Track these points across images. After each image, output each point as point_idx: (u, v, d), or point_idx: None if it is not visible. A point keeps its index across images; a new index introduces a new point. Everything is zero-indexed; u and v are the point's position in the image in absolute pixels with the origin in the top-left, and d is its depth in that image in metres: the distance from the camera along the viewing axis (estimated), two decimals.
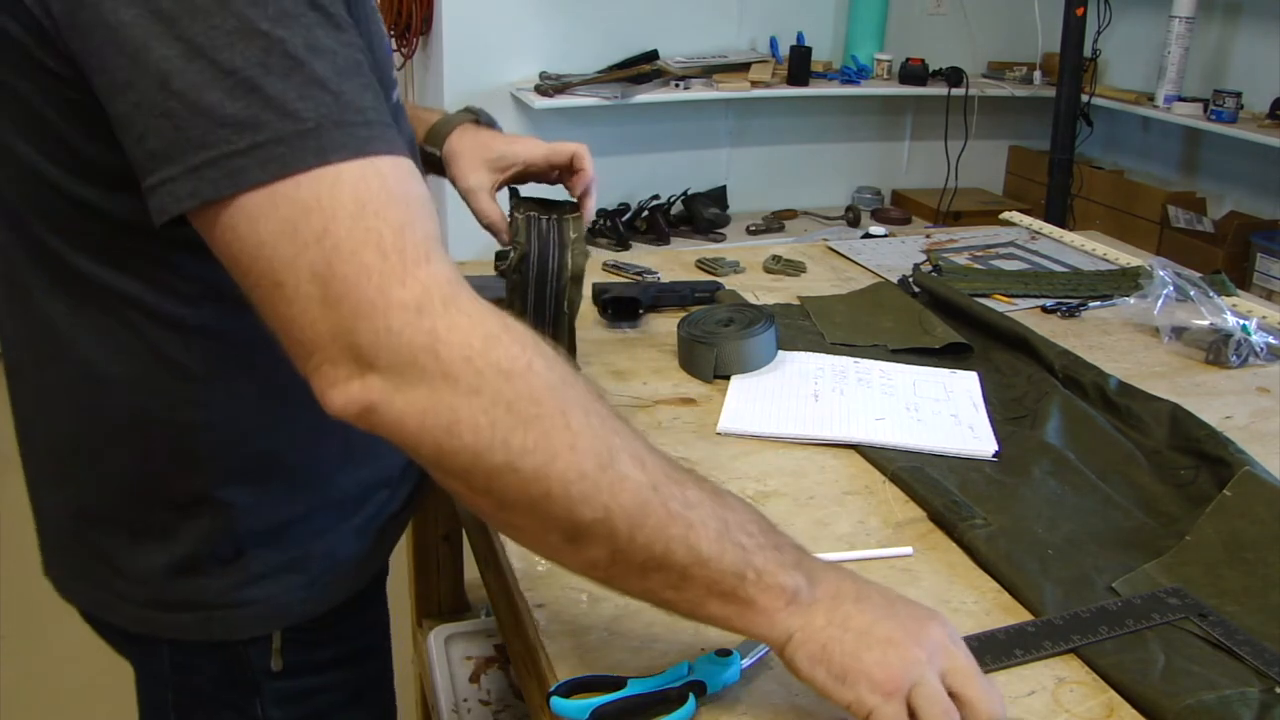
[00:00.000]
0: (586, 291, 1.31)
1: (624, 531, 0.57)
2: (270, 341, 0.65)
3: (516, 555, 0.80)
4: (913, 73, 3.38)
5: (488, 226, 1.01)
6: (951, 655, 0.60)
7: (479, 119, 1.06)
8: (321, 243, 0.55)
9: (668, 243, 3.17)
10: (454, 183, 1.04)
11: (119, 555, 0.77)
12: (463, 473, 0.57)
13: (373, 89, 0.60)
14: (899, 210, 3.59)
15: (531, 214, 0.93)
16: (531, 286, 0.90)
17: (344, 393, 0.56)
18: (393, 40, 3.10)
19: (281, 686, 0.82)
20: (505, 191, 1.04)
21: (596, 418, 0.58)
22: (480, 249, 1.78)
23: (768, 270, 1.49)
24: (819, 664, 0.60)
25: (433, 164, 1.03)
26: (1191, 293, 1.29)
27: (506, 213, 1.00)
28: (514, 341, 0.57)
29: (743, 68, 3.26)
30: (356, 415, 0.57)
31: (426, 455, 0.57)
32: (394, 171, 0.59)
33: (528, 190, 1.04)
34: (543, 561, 0.79)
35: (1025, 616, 0.75)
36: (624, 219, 3.16)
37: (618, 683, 0.65)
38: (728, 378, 1.10)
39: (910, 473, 0.92)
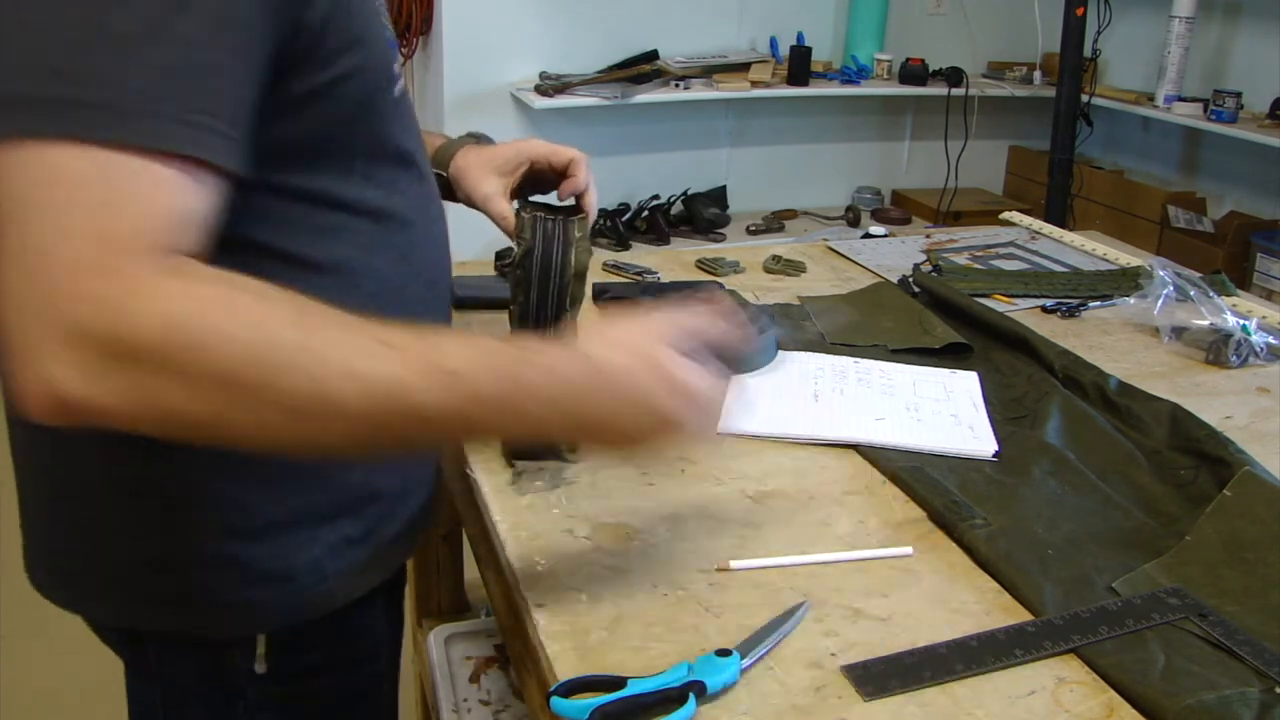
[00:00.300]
0: (587, 290, 1.31)
1: (364, 433, 0.60)
2: None
3: (516, 555, 0.80)
4: (913, 73, 3.38)
5: (507, 230, 1.02)
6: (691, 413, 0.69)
7: (479, 141, 1.09)
8: (45, 216, 0.54)
9: (668, 243, 3.17)
10: (468, 197, 1.05)
11: (106, 550, 0.78)
12: (184, 436, 0.58)
13: (221, 94, 0.59)
14: (899, 210, 3.59)
15: (538, 214, 0.93)
16: (534, 283, 0.90)
17: (40, 384, 0.55)
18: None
19: (267, 690, 0.82)
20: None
21: (307, 350, 0.58)
22: (480, 249, 1.78)
23: (768, 270, 1.49)
24: (577, 433, 0.71)
25: (440, 185, 1.04)
26: (1191, 293, 1.29)
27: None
28: (207, 314, 0.56)
29: (743, 68, 3.26)
30: (51, 409, 0.55)
31: (145, 425, 0.57)
32: (166, 176, 0.57)
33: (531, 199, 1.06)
34: (543, 561, 0.79)
35: (1025, 616, 0.75)
36: (624, 219, 3.16)
37: (618, 683, 0.65)
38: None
39: (910, 473, 0.92)
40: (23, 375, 0.55)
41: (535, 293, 0.91)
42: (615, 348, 0.67)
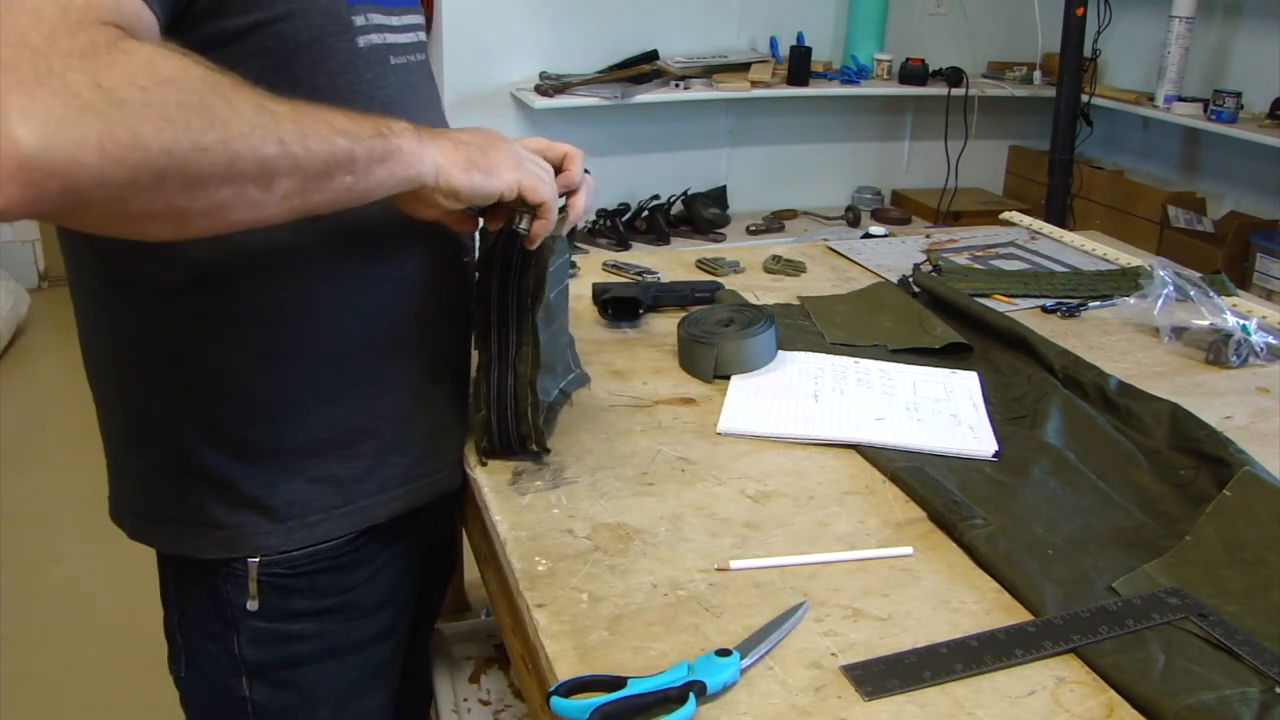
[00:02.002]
0: (585, 292, 1.31)
1: (300, 151, 0.65)
2: (229, 262, 0.76)
3: (516, 555, 0.81)
4: (913, 73, 3.38)
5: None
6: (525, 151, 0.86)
7: None
8: None
9: (668, 243, 3.17)
10: None
11: (120, 464, 0.89)
12: (158, 177, 0.58)
13: None
14: (899, 210, 3.60)
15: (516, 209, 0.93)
16: (494, 273, 0.90)
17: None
18: None
19: (257, 627, 0.88)
20: None
21: (241, 87, 0.64)
22: None
23: (768, 270, 1.49)
24: (472, 172, 0.78)
25: None
26: (1191, 293, 1.29)
27: None
28: (169, 57, 0.60)
29: (743, 68, 3.26)
30: (8, 176, 0.53)
31: (116, 179, 0.57)
32: None
33: None
34: (543, 561, 0.79)
35: (1025, 616, 0.75)
36: (624, 219, 3.16)
37: (618, 683, 0.65)
38: (728, 378, 1.10)
39: (910, 473, 0.92)
40: None
41: (495, 284, 0.90)
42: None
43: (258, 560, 0.86)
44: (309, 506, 0.87)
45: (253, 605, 0.87)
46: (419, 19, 0.92)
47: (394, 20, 0.85)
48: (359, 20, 0.80)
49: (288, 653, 0.91)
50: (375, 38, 0.82)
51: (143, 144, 0.57)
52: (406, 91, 0.86)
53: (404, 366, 0.89)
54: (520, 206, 0.92)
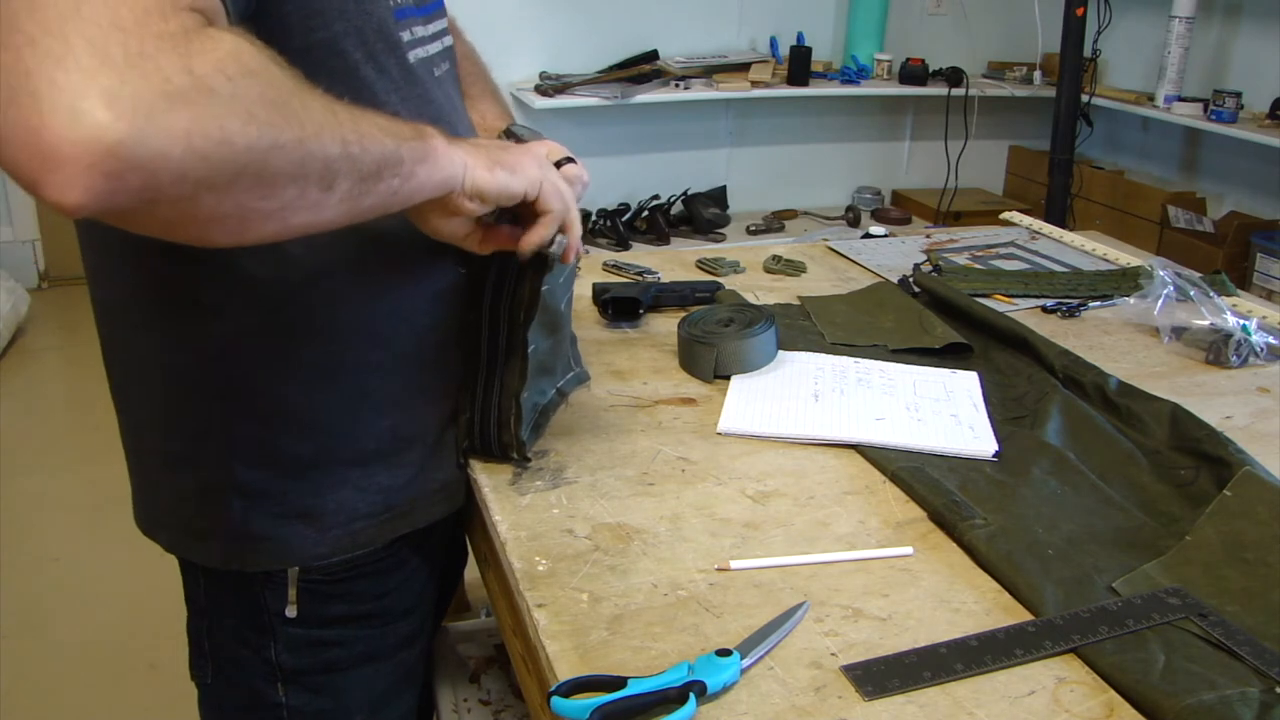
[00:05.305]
0: (585, 292, 1.31)
1: (358, 151, 0.65)
2: (277, 276, 0.76)
3: (516, 555, 0.80)
4: (913, 73, 3.38)
5: None
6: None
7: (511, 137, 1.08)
8: None
9: (668, 243, 3.17)
10: None
11: (158, 482, 0.88)
12: (235, 175, 0.57)
13: None
14: (899, 210, 3.60)
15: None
16: (489, 288, 0.90)
17: (84, 133, 0.49)
18: None
19: (295, 634, 0.88)
20: None
21: (309, 85, 0.63)
22: None
23: (768, 270, 1.49)
24: (495, 170, 0.77)
25: None
26: (1191, 293, 1.29)
27: None
28: (251, 48, 0.59)
29: (743, 68, 3.26)
30: (90, 165, 0.50)
31: (195, 176, 0.54)
32: None
33: None
34: (543, 561, 0.79)
35: (1025, 616, 0.75)
36: (624, 219, 3.17)
37: (618, 683, 0.65)
38: (728, 378, 1.10)
39: (910, 473, 0.92)
40: (57, 135, 0.49)
41: (489, 293, 0.89)
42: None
43: (298, 567, 0.86)
44: (354, 513, 0.86)
45: (291, 612, 0.87)
46: (445, 23, 0.91)
47: (428, 30, 0.85)
48: (406, 35, 0.80)
49: (325, 658, 0.90)
50: (420, 51, 0.82)
51: (229, 139, 0.55)
52: (448, 103, 0.87)
53: (448, 374, 0.90)
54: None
